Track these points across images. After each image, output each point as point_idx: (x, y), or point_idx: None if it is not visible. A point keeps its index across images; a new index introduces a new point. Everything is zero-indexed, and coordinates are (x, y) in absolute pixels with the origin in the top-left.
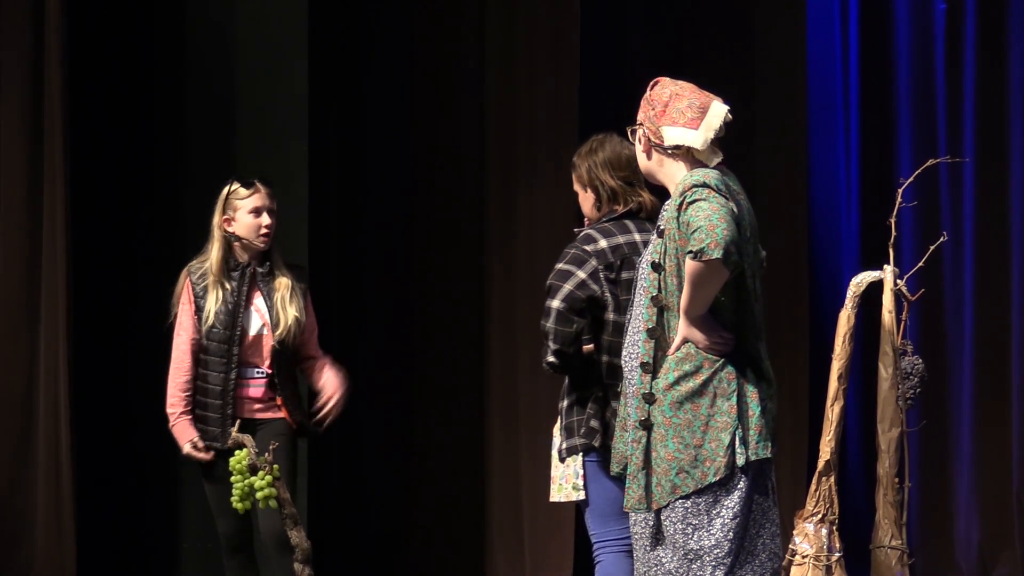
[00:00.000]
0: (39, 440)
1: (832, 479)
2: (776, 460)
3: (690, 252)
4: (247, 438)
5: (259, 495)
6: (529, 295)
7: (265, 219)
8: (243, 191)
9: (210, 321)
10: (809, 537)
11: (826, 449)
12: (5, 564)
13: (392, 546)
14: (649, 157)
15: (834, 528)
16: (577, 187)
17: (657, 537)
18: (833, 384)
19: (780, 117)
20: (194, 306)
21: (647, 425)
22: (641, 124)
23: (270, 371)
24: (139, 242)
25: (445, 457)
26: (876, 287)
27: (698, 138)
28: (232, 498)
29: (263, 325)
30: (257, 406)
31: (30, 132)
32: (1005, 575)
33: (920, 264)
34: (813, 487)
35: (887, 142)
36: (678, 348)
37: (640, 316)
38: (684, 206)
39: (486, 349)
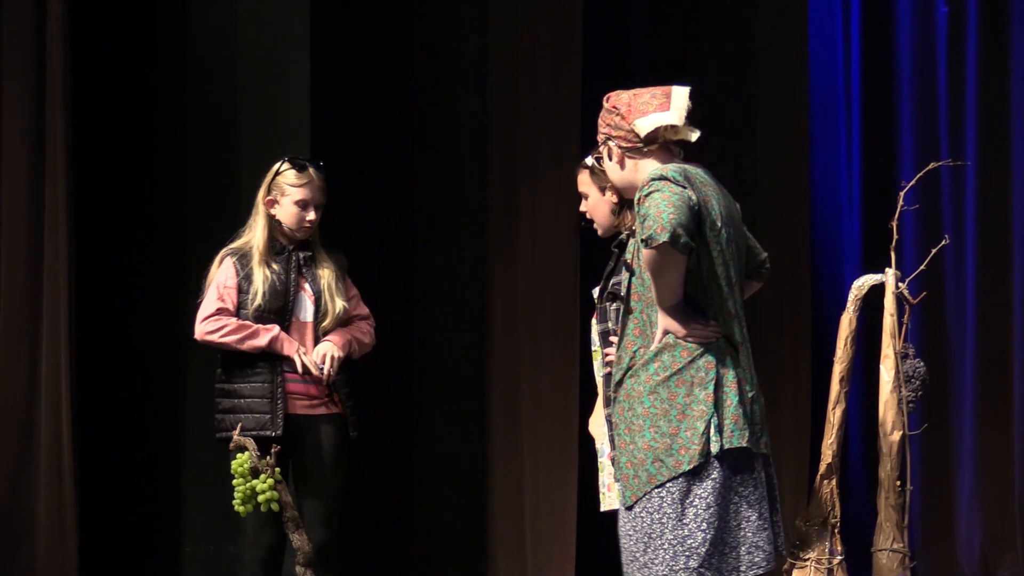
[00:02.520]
0: (41, 443)
1: (834, 482)
2: (771, 455)
3: (642, 241)
4: (248, 441)
5: (260, 498)
6: (531, 296)
7: (310, 214)
8: (293, 176)
9: (257, 302)
10: (811, 540)
11: (828, 452)
12: (7, 567)
13: (393, 548)
14: (623, 167)
15: (836, 531)
16: (592, 191)
17: (633, 529)
18: (835, 387)
19: (782, 120)
20: (238, 288)
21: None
22: (607, 139)
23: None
24: (141, 244)
25: (446, 458)
26: (878, 290)
27: (673, 116)
28: (234, 501)
29: (315, 312)
30: (305, 402)
31: (32, 134)
32: None
33: (922, 267)
34: (815, 490)
35: (889, 145)
36: (660, 340)
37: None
38: (640, 200)
39: (488, 350)
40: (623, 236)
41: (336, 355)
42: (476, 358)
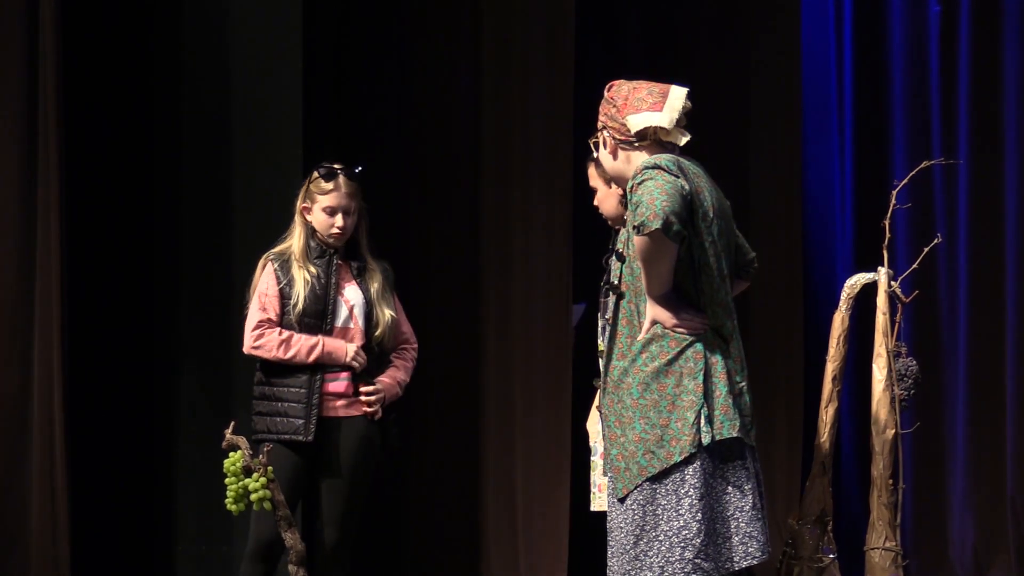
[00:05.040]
0: (34, 442)
1: (826, 480)
2: (764, 448)
3: (634, 227)
4: (241, 440)
5: (253, 497)
6: (524, 297)
7: (338, 220)
8: (323, 184)
9: (299, 308)
10: (803, 539)
11: (820, 450)
12: (0, 567)
13: (386, 547)
14: (616, 157)
15: (828, 530)
16: (599, 184)
17: (624, 522)
18: (827, 386)
19: (775, 119)
20: (280, 293)
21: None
22: (603, 127)
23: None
24: (133, 243)
25: (440, 458)
26: (870, 289)
27: (664, 118)
28: (226, 500)
29: (350, 317)
30: (339, 402)
31: (25, 135)
32: None
33: (914, 266)
34: (807, 488)
35: (881, 144)
36: (648, 330)
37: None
38: (633, 188)
39: (481, 351)
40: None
41: (383, 402)
42: (470, 359)
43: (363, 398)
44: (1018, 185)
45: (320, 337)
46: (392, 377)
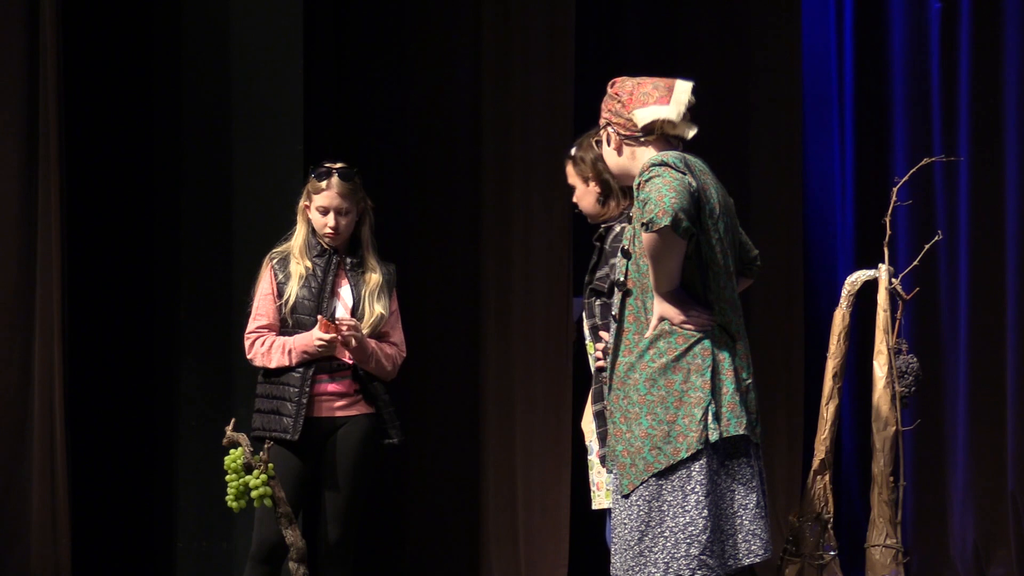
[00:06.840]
0: (34, 440)
1: (827, 478)
2: (764, 446)
3: (642, 225)
4: (242, 436)
5: (254, 494)
6: (524, 295)
7: (330, 219)
8: (318, 183)
9: (292, 302)
10: (804, 536)
11: (821, 448)
12: (0, 565)
13: (386, 545)
14: (620, 153)
15: (829, 526)
16: (576, 181)
17: (629, 518)
18: (828, 383)
19: (775, 116)
20: (275, 293)
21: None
22: (607, 124)
23: (352, 362)
24: (134, 243)
25: (440, 456)
26: (871, 286)
27: (671, 111)
28: (227, 497)
29: (345, 315)
30: (339, 403)
31: (25, 134)
32: (1001, 575)
33: (915, 263)
34: (808, 486)
35: (882, 141)
36: (655, 327)
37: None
38: (641, 185)
39: (481, 348)
40: (602, 230)
41: (359, 335)
42: (469, 356)
43: (342, 328)
44: (1019, 182)
45: (283, 339)
46: (376, 345)
